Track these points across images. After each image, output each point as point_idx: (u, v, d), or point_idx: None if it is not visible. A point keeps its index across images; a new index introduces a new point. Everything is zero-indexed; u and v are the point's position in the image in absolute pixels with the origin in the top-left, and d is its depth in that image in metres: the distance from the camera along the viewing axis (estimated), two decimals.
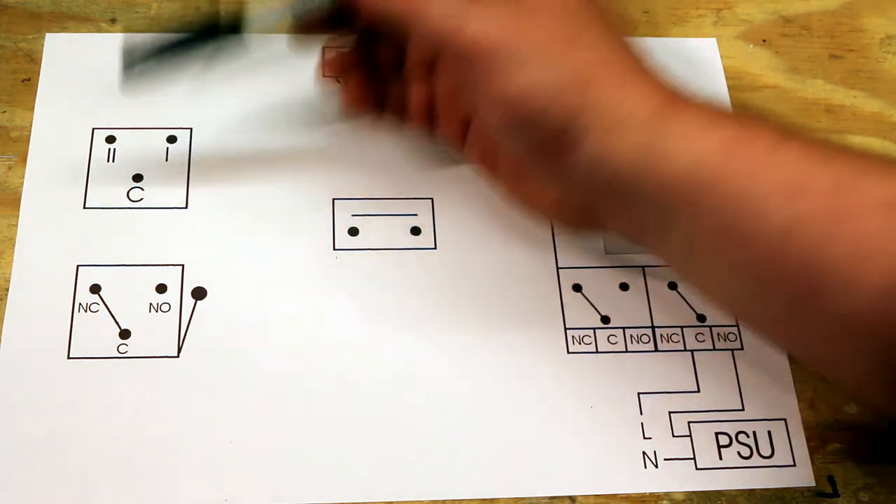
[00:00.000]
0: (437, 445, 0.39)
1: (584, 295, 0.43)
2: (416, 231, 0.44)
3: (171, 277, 0.41)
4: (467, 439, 0.39)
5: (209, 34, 0.38)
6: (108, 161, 0.44)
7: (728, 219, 0.32)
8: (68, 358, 0.39)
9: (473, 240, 0.43)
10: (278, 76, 0.47)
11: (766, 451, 0.40)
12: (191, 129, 0.45)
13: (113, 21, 0.47)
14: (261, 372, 0.40)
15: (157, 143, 0.44)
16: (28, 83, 0.45)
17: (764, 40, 0.51)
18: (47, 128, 0.44)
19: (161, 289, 0.41)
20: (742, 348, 0.42)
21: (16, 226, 0.42)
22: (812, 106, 0.49)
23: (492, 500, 0.38)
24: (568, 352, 0.41)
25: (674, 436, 0.40)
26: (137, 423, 0.38)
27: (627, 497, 0.39)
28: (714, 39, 0.50)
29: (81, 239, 0.42)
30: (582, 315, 0.42)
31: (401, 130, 0.42)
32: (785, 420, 0.41)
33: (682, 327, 0.42)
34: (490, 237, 0.43)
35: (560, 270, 0.43)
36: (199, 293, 0.41)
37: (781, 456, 0.40)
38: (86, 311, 0.40)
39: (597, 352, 0.41)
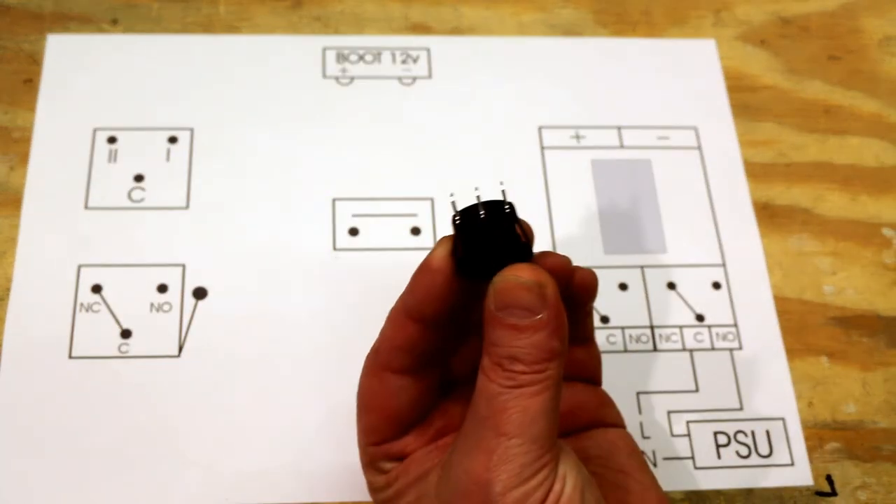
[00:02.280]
0: None
1: None
2: (416, 231, 0.44)
3: (171, 277, 0.41)
4: None
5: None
6: (109, 161, 0.44)
7: None
8: (70, 357, 0.39)
9: None
10: (278, 76, 0.47)
11: (764, 450, 0.40)
12: (191, 129, 0.45)
13: (114, 22, 0.48)
14: (261, 372, 0.40)
15: (159, 143, 0.45)
16: (30, 84, 0.46)
17: (763, 41, 0.51)
18: (49, 128, 0.44)
19: (162, 289, 0.41)
20: (741, 348, 0.42)
21: (17, 226, 0.42)
22: (811, 106, 0.49)
23: None
24: None
25: (672, 435, 0.40)
26: (138, 422, 0.38)
27: None
28: (713, 40, 0.50)
29: (83, 239, 0.42)
30: None
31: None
32: (783, 419, 0.41)
33: (680, 327, 0.43)
34: None
35: None
36: (199, 293, 0.41)
37: (780, 455, 0.40)
38: (87, 310, 0.40)
39: None
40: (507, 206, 0.29)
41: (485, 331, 0.29)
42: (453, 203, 0.30)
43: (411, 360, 0.31)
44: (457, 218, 0.29)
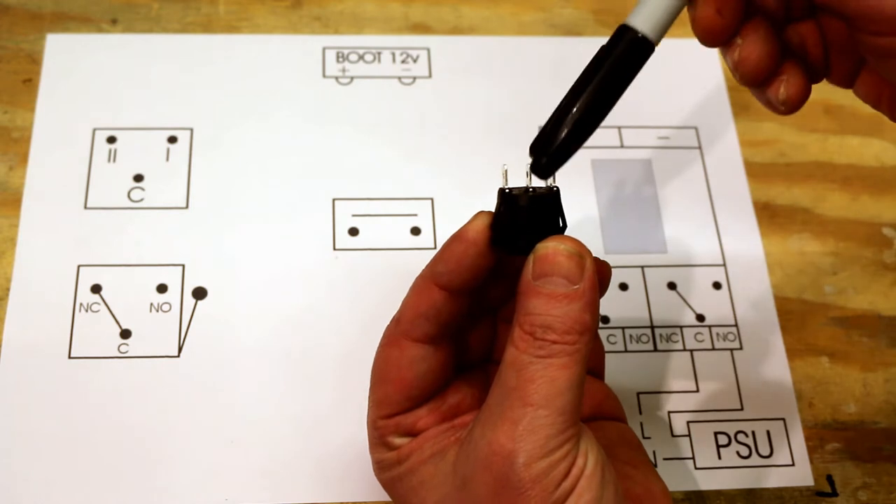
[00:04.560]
0: None
1: None
2: (416, 231, 0.44)
3: (171, 277, 0.41)
4: None
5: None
6: (108, 161, 0.44)
7: None
8: (69, 358, 0.39)
9: None
10: (278, 76, 0.47)
11: (764, 450, 0.40)
12: (191, 129, 0.45)
13: (114, 22, 0.48)
14: (261, 372, 0.40)
15: (158, 143, 0.45)
16: (29, 84, 0.46)
17: None
18: (48, 128, 0.44)
19: (161, 289, 0.41)
20: (741, 348, 0.42)
21: (17, 226, 0.42)
22: (811, 106, 0.49)
23: None
24: None
25: (673, 435, 0.40)
26: (138, 422, 0.38)
27: None
28: None
29: (82, 239, 0.42)
30: None
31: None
32: (784, 420, 0.41)
33: (681, 327, 0.43)
34: None
35: None
36: (199, 293, 0.41)
37: (780, 455, 0.40)
38: (87, 310, 0.40)
39: None
40: (555, 188, 0.30)
41: (518, 302, 0.29)
42: (505, 172, 0.31)
43: (433, 328, 0.31)
44: (507, 190, 0.30)
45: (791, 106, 0.32)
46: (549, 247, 0.29)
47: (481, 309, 0.33)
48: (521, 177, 0.31)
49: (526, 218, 0.30)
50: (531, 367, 0.28)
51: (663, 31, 0.29)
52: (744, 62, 0.31)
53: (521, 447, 0.27)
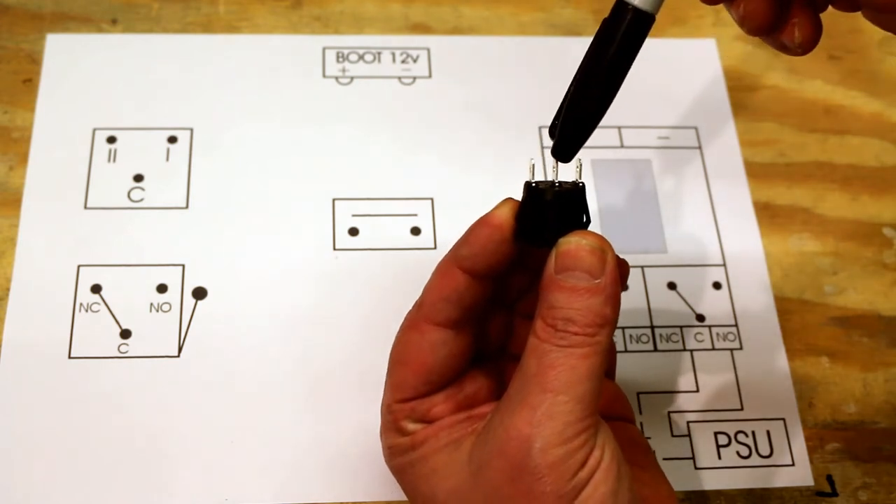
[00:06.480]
0: None
1: None
2: (416, 231, 0.44)
3: (171, 277, 0.41)
4: None
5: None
6: (109, 161, 0.44)
7: None
8: (69, 358, 0.39)
9: None
10: (278, 76, 0.47)
11: (764, 450, 0.40)
12: (191, 129, 0.45)
13: (114, 22, 0.48)
14: (261, 372, 0.40)
15: (158, 143, 0.45)
16: (29, 84, 0.46)
17: (762, 41, 0.51)
18: (48, 128, 0.44)
19: (161, 289, 0.41)
20: (741, 348, 0.42)
21: (17, 226, 0.42)
22: (811, 106, 0.49)
23: None
24: None
25: (673, 435, 0.40)
26: (138, 422, 0.38)
27: None
28: (713, 40, 0.50)
29: (82, 239, 0.42)
30: None
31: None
32: (784, 420, 0.41)
33: (681, 327, 0.43)
34: None
35: None
36: (199, 293, 0.41)
37: (780, 455, 0.40)
38: (87, 310, 0.40)
39: None
40: (580, 183, 0.30)
41: (541, 296, 0.30)
42: (532, 166, 0.31)
43: (455, 312, 0.31)
44: (533, 184, 0.30)
45: (807, 47, 0.32)
46: (571, 241, 0.29)
47: (501, 299, 0.33)
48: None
49: (551, 212, 0.30)
50: (552, 354, 0.28)
51: (659, 2, 0.30)
52: (750, 16, 0.31)
53: (539, 432, 0.28)
